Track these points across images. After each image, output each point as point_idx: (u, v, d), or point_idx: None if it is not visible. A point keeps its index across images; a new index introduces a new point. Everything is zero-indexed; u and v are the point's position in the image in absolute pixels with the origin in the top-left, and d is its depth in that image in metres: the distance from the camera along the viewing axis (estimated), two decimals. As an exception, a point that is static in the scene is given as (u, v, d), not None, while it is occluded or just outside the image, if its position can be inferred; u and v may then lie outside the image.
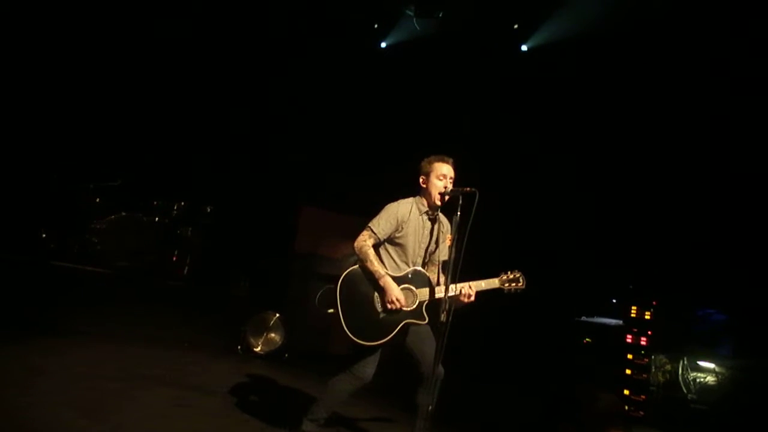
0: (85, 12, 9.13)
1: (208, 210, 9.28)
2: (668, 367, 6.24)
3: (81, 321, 5.95)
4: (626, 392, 6.29)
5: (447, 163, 3.87)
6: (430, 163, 3.89)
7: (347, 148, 9.51)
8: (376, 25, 9.78)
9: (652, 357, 6.27)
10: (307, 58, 9.85)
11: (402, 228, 3.84)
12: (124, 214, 8.62)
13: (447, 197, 3.81)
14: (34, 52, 8.95)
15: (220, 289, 8.93)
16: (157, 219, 8.85)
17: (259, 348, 6.25)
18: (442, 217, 4.00)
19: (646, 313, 6.48)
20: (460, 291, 3.68)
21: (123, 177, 8.71)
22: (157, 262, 8.68)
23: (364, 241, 3.80)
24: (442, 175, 3.82)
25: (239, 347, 6.24)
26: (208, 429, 4.01)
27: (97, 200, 8.66)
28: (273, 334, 6.31)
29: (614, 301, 7.03)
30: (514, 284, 3.79)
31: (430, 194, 3.86)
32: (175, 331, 6.52)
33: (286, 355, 6.30)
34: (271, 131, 10.19)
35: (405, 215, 3.85)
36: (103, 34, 9.32)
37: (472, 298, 3.71)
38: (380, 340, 3.67)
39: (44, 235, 8.19)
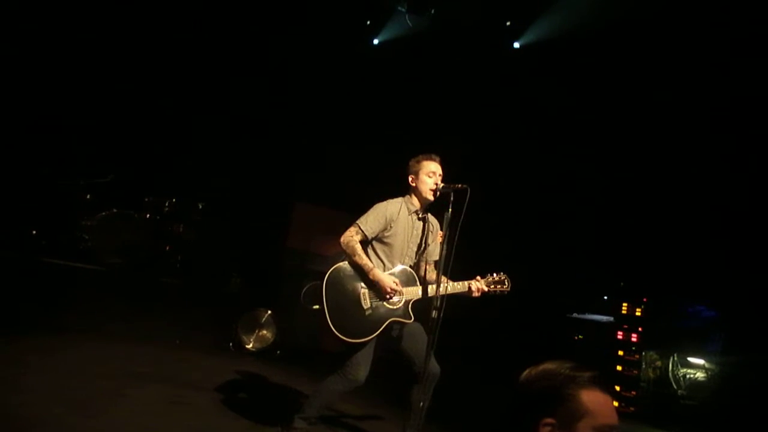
0: (76, 9, 9.06)
1: (200, 207, 9.24)
2: (658, 363, 6.29)
3: (72, 318, 5.92)
4: (617, 388, 6.34)
5: (434, 160, 3.90)
6: (418, 162, 3.92)
7: (339, 144, 9.49)
8: (368, 22, 9.77)
9: (643, 353, 6.31)
10: (299, 54, 9.82)
11: (391, 227, 3.86)
12: (115, 210, 8.56)
13: (438, 193, 3.82)
14: (24, 49, 8.88)
15: (212, 285, 8.90)
16: (148, 216, 8.79)
17: (250, 345, 6.23)
18: (431, 216, 4.03)
19: (637, 309, 6.52)
20: (469, 287, 3.77)
21: (114, 173, 8.66)
22: (148, 258, 8.64)
23: (351, 237, 3.81)
24: (431, 173, 3.85)
25: (231, 344, 6.22)
26: (200, 426, 4.00)
27: (88, 197, 8.60)
28: (265, 331, 6.30)
29: (605, 298, 7.06)
30: (499, 286, 3.84)
31: (420, 192, 3.88)
32: (166, 328, 6.49)
33: (278, 352, 6.29)
34: (263, 128, 10.16)
35: (394, 214, 3.87)
36: (94, 30, 9.25)
37: (479, 294, 3.82)
38: (365, 337, 3.68)
39: (35, 232, 8.14)
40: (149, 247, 8.69)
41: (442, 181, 3.85)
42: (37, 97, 8.96)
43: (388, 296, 3.70)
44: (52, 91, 9.08)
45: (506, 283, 3.85)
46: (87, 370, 4.49)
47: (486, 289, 3.82)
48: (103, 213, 8.48)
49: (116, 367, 4.73)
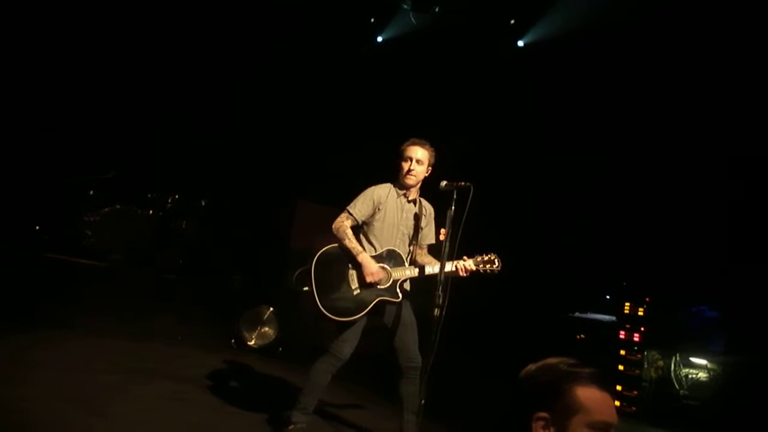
0: (78, 6, 9.06)
1: (203, 203, 9.25)
2: (661, 363, 6.27)
3: (74, 314, 5.92)
4: (619, 388, 6.32)
5: (415, 145, 3.98)
6: (403, 147, 4.04)
7: (343, 142, 9.48)
8: (372, 20, 9.76)
9: (645, 353, 6.29)
10: (303, 52, 9.81)
11: (379, 210, 3.97)
12: (118, 206, 8.58)
13: (417, 182, 3.98)
14: (26, 45, 8.89)
15: (214, 282, 8.91)
16: (151, 212, 8.81)
17: (252, 342, 6.24)
18: (424, 201, 4.14)
19: (640, 309, 6.50)
20: (455, 267, 3.78)
21: (117, 169, 8.67)
22: (150, 255, 8.64)
23: (342, 222, 3.95)
24: (407, 158, 3.96)
25: (233, 341, 6.23)
26: (201, 422, 4.01)
27: (91, 192, 8.62)
28: (267, 328, 6.30)
29: (608, 297, 7.05)
30: (489, 266, 3.85)
31: (399, 176, 4.01)
32: (168, 324, 6.50)
33: (280, 349, 6.29)
34: (266, 125, 10.15)
35: (381, 197, 3.98)
36: (96, 26, 9.25)
37: (466, 273, 3.81)
38: (353, 315, 3.78)
39: (37, 228, 8.15)
40: (152, 243, 8.71)
41: (445, 178, 3.85)
42: (41, 93, 8.97)
43: (367, 279, 3.78)
44: (55, 87, 9.09)
45: (496, 262, 3.86)
46: (89, 365, 4.50)
47: (474, 268, 3.82)
48: (106, 209, 8.51)
49: (118, 362, 4.74)
